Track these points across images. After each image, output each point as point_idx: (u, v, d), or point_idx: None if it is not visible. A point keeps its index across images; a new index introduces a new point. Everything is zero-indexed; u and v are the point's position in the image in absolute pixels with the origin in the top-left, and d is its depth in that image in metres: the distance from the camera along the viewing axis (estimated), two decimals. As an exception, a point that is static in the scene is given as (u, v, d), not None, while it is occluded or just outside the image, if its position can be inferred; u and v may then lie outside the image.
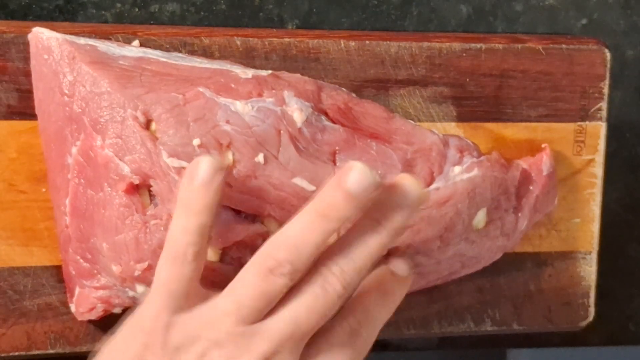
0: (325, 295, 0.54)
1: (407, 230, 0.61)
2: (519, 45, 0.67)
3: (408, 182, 0.55)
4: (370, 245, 0.54)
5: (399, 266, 0.60)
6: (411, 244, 0.62)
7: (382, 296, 0.58)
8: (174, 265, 0.53)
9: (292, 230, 0.54)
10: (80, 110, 0.59)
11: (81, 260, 0.61)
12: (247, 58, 0.63)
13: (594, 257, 0.71)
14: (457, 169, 0.63)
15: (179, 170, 0.57)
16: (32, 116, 0.61)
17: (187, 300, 0.54)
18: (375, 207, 0.54)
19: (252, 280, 0.53)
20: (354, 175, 0.53)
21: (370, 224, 0.54)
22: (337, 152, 0.61)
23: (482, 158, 0.64)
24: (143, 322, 0.54)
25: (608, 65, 0.68)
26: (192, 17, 0.68)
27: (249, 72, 0.60)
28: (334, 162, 0.60)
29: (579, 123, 0.69)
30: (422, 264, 0.64)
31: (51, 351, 0.64)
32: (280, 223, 0.60)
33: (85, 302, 0.62)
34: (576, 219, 0.70)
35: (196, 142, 0.58)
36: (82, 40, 0.60)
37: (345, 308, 0.57)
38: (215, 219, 0.57)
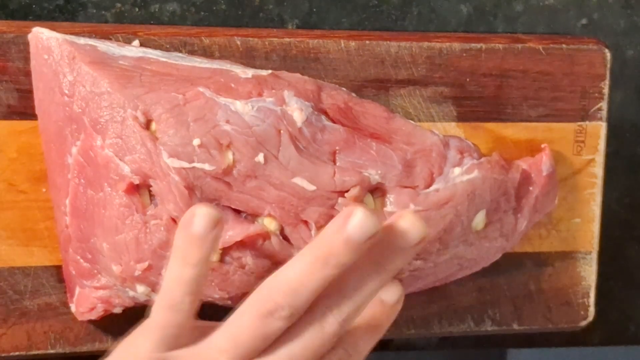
0: (322, 335, 0.54)
1: None
2: (519, 45, 0.67)
3: (409, 223, 0.54)
4: (370, 287, 0.54)
5: (390, 292, 0.61)
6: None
7: (371, 328, 0.59)
8: (169, 312, 0.54)
9: (292, 273, 0.53)
10: (80, 110, 0.59)
11: (81, 260, 0.61)
12: (247, 58, 0.63)
13: (594, 257, 0.71)
14: (457, 170, 0.63)
15: (179, 171, 0.57)
16: (32, 116, 0.61)
17: (182, 338, 0.54)
18: (376, 248, 0.54)
19: (250, 321, 0.54)
20: (356, 222, 0.52)
21: (371, 266, 0.54)
22: (337, 152, 0.61)
23: (482, 160, 0.64)
24: (138, 357, 0.54)
25: (608, 65, 0.68)
26: (192, 17, 0.68)
27: (249, 72, 0.60)
28: (334, 161, 0.60)
29: (579, 123, 0.69)
30: (419, 267, 0.64)
31: (51, 351, 0.64)
32: (281, 223, 0.60)
33: (85, 302, 0.62)
34: (576, 219, 0.70)
35: (196, 142, 0.58)
36: (82, 40, 0.60)
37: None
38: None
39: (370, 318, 0.59)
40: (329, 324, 0.54)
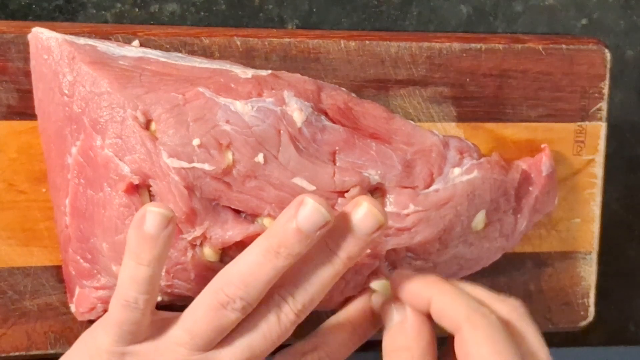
0: (279, 324, 0.55)
1: (404, 232, 0.61)
2: (519, 45, 0.67)
3: (364, 210, 0.54)
4: (324, 276, 0.54)
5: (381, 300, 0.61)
6: (410, 246, 0.62)
7: (356, 335, 0.59)
8: (125, 310, 0.54)
9: (244, 265, 0.54)
10: (80, 110, 0.59)
11: (81, 260, 0.61)
12: (247, 58, 0.63)
13: (594, 257, 0.71)
14: (456, 170, 0.63)
15: (179, 171, 0.57)
16: (32, 116, 0.61)
17: (140, 334, 0.55)
18: (330, 235, 0.54)
19: (204, 313, 0.54)
20: (305, 212, 0.52)
21: (324, 254, 0.54)
22: (337, 152, 0.61)
23: (482, 160, 0.64)
24: (99, 350, 0.55)
25: (608, 65, 0.68)
26: (192, 17, 0.68)
27: (249, 72, 0.60)
28: (334, 162, 0.60)
29: (579, 123, 0.69)
30: (419, 267, 0.64)
31: (51, 351, 0.64)
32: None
33: (85, 302, 0.62)
34: (576, 219, 0.70)
35: (196, 142, 0.58)
36: (82, 40, 0.60)
37: (319, 337, 0.59)
38: (213, 219, 0.57)
39: (356, 325, 0.60)
40: (284, 313, 0.55)
